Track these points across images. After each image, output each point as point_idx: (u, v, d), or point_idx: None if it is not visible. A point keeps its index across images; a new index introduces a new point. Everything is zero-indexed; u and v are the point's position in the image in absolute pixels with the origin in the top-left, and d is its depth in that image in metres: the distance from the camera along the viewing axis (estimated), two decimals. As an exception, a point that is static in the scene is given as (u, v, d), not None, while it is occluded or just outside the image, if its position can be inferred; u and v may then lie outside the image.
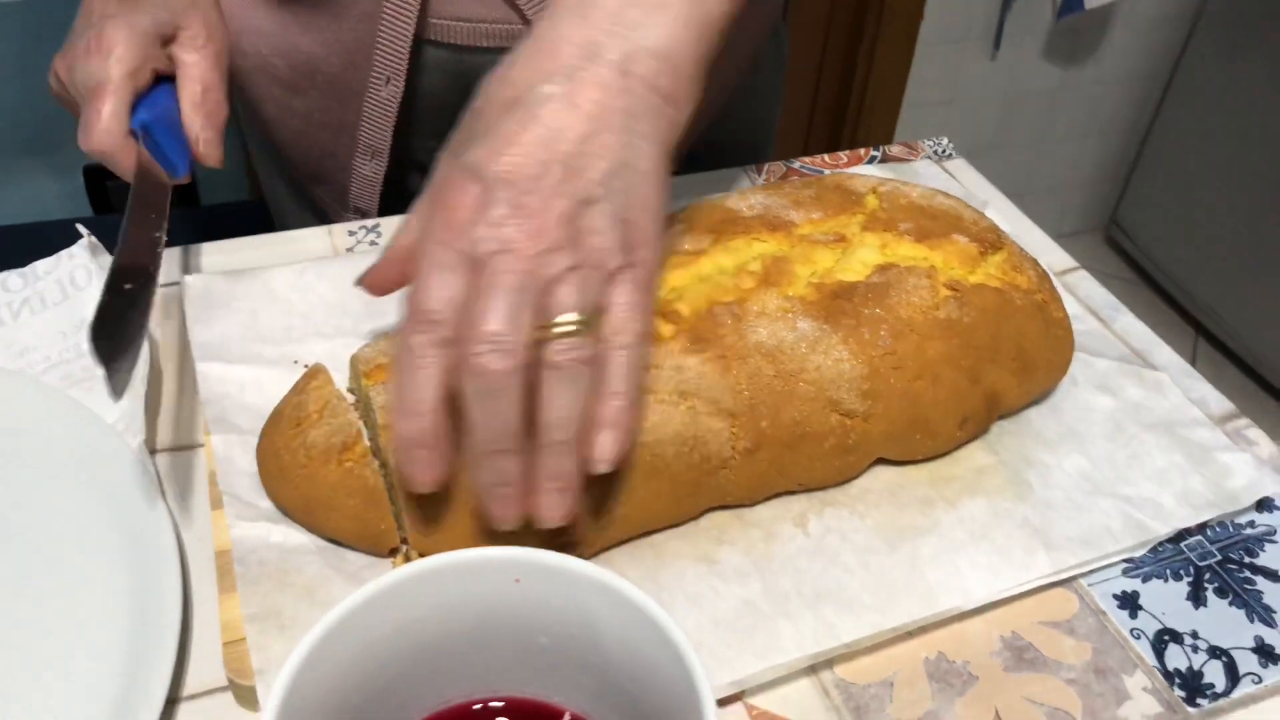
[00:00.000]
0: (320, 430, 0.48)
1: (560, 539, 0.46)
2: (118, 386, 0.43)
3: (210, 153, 0.61)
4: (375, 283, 0.49)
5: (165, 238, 0.55)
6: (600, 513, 0.47)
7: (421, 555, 0.46)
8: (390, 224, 0.71)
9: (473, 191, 0.42)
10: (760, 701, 0.46)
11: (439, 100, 0.72)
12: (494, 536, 0.45)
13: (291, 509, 0.49)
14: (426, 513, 0.46)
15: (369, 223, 0.71)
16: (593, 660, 0.37)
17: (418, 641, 0.36)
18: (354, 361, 0.51)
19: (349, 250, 0.68)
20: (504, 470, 0.43)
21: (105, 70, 0.57)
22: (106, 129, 0.57)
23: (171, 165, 0.59)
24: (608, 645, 0.36)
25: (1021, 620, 0.49)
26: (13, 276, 0.60)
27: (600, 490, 0.46)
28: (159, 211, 0.56)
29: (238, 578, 0.46)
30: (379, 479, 0.47)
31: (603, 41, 0.45)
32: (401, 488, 0.45)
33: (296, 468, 0.48)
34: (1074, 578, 0.51)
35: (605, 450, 0.43)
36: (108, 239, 0.61)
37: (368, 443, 0.48)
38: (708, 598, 0.48)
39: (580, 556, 0.47)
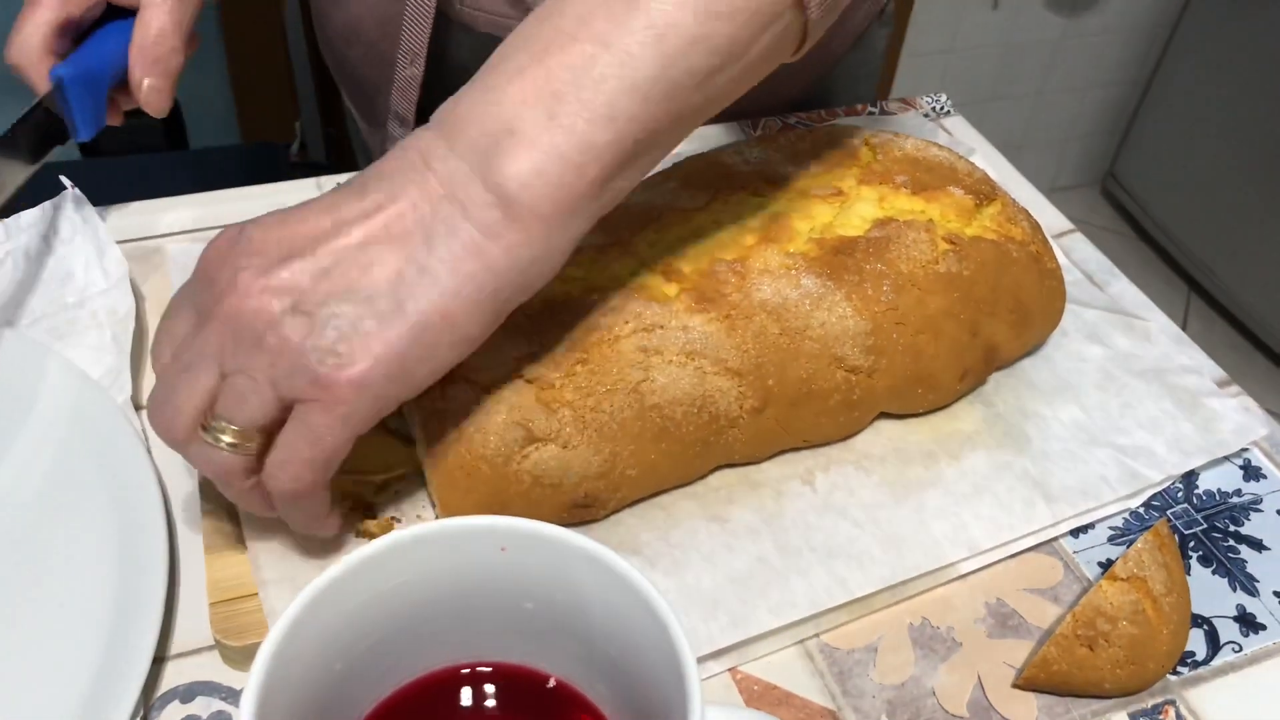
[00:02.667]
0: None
1: (580, 500, 0.47)
2: None
3: (153, 100, 0.58)
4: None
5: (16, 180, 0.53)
6: (612, 475, 0.47)
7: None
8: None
9: (230, 239, 0.41)
10: (745, 666, 0.46)
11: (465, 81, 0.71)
12: (509, 506, 0.46)
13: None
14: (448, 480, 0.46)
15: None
16: (578, 627, 0.37)
17: (402, 609, 0.36)
18: None
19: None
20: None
21: None
22: (22, 43, 0.55)
23: (74, 127, 0.57)
24: (593, 612, 0.36)
25: (1006, 587, 0.50)
26: (-4, 228, 0.59)
27: (611, 452, 0.46)
28: (29, 149, 0.54)
29: (249, 544, 0.46)
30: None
31: (442, 153, 0.40)
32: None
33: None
34: (1057, 538, 0.52)
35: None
36: (99, 187, 0.60)
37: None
38: (721, 556, 0.48)
39: (593, 519, 0.48)
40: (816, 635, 0.47)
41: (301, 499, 0.41)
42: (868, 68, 0.86)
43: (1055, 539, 0.52)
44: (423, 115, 0.75)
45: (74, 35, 0.58)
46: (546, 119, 0.39)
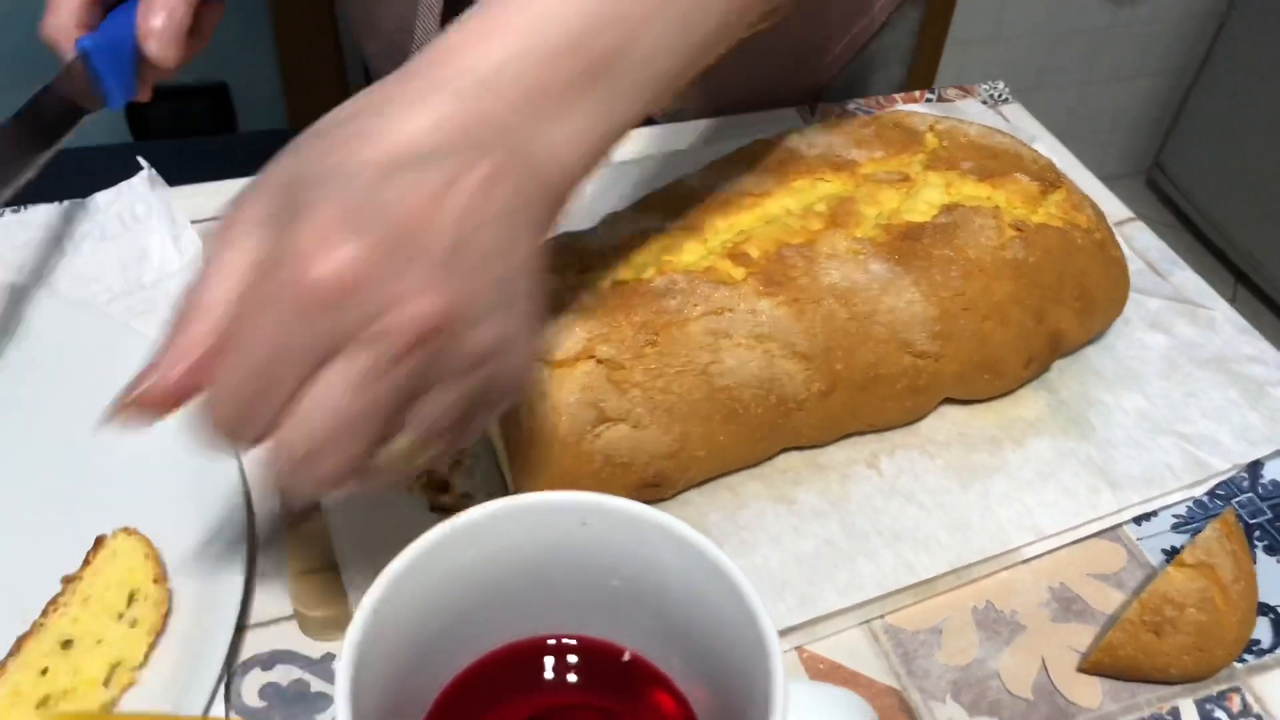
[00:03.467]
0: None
1: (649, 480, 0.48)
2: None
3: (156, 48, 0.54)
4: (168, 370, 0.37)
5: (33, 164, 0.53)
6: (682, 455, 0.47)
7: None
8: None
9: (343, 259, 0.33)
10: (811, 646, 0.47)
11: None
12: (580, 484, 0.47)
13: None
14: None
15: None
16: (655, 601, 0.37)
17: (484, 581, 0.37)
18: None
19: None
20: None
21: None
22: (55, 20, 0.55)
23: (104, 96, 0.56)
24: (671, 586, 0.36)
25: (1070, 572, 0.50)
26: (75, 208, 0.60)
27: (681, 433, 0.47)
28: (47, 134, 0.54)
29: (328, 522, 0.47)
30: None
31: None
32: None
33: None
34: (1121, 525, 0.52)
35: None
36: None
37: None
38: (788, 537, 0.49)
39: (661, 499, 0.48)
40: (882, 616, 0.47)
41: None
42: (899, 50, 0.86)
43: (1119, 526, 0.52)
44: None
45: (105, 9, 0.57)
46: (596, 105, 0.38)
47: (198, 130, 1.73)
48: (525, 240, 0.37)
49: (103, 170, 0.77)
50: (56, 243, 0.59)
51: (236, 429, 0.34)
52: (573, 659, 0.39)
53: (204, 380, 0.34)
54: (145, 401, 0.35)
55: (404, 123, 0.35)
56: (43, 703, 0.40)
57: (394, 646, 0.34)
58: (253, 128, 1.75)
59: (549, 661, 0.39)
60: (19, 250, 0.59)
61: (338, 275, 0.32)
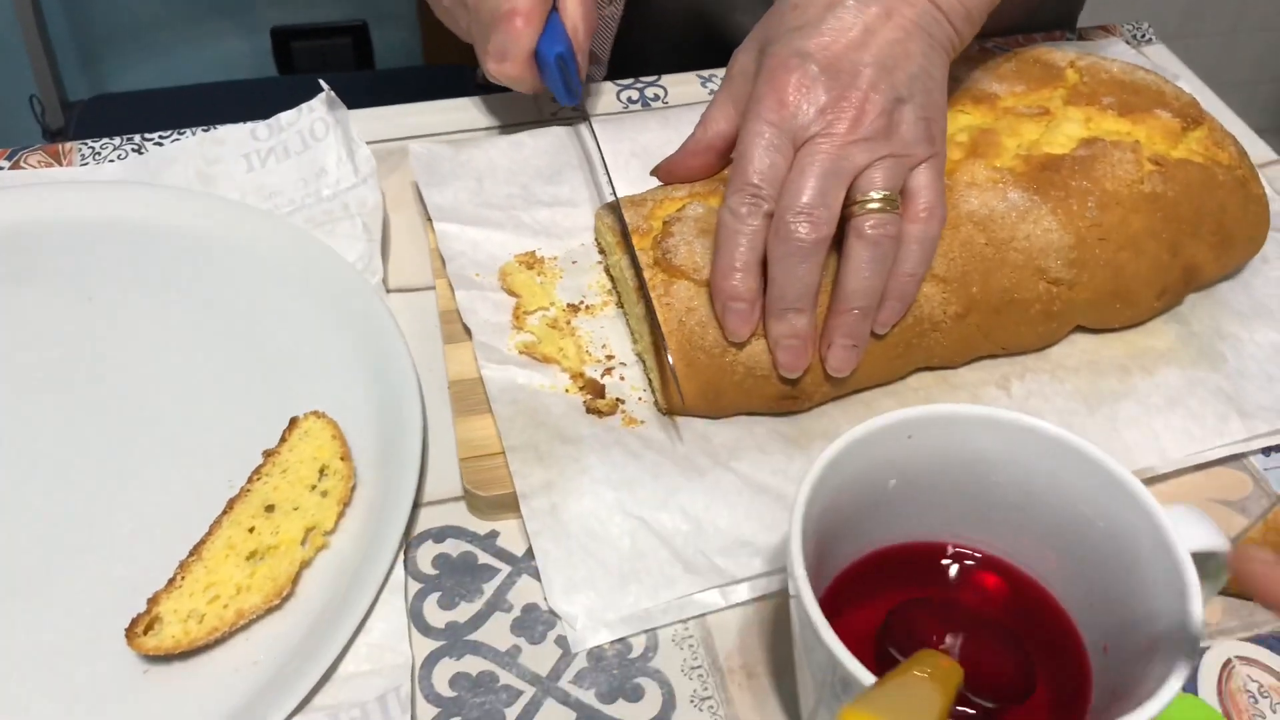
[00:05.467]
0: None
1: (788, 392, 0.51)
2: None
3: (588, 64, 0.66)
4: (673, 170, 0.56)
5: None
6: (819, 369, 0.50)
7: (669, 412, 0.52)
8: (591, 92, 0.73)
9: (800, 78, 0.48)
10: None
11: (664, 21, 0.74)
12: (723, 395, 0.50)
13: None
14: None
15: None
16: (1047, 518, 0.41)
17: (877, 483, 0.41)
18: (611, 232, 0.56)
19: (554, 114, 0.71)
20: (796, 326, 0.48)
21: None
22: (521, 54, 0.61)
23: (573, 93, 0.64)
24: (1083, 512, 0.40)
25: (1194, 496, 0.51)
26: (260, 127, 0.66)
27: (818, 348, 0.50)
28: None
29: (496, 414, 0.51)
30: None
31: None
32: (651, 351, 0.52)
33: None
34: (1248, 454, 0.53)
35: (888, 317, 0.50)
36: (293, 101, 0.65)
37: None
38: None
39: (799, 410, 0.51)
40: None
41: (941, 216, 0.50)
42: None
43: (1246, 455, 0.53)
44: (618, 54, 0.78)
45: None
46: None
47: (338, 66, 1.80)
48: (938, 74, 0.51)
49: (256, 99, 0.82)
50: (245, 159, 0.64)
51: (746, 216, 0.49)
52: (946, 561, 0.43)
53: (702, 165, 0.56)
54: (672, 168, 0.57)
55: None
56: (251, 555, 0.46)
57: (820, 514, 0.39)
58: (390, 65, 1.81)
59: (929, 560, 0.43)
60: (212, 165, 0.64)
61: (795, 89, 0.48)
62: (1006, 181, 0.53)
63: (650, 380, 0.53)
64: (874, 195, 0.48)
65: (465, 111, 0.72)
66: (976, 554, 0.43)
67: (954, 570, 0.43)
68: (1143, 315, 0.56)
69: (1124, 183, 0.54)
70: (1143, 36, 0.80)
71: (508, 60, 0.62)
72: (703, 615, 0.46)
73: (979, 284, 0.51)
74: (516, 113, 0.72)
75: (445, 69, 1.59)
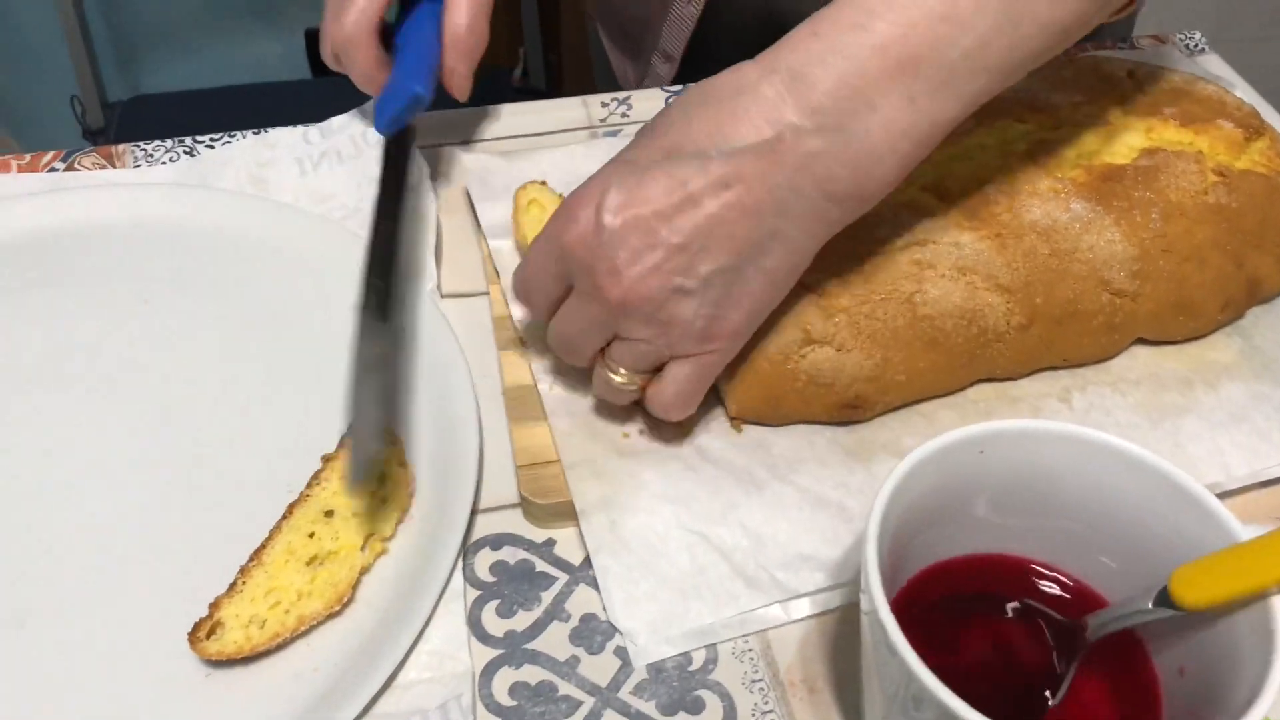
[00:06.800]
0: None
1: (850, 401, 0.50)
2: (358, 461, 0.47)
3: (461, 87, 0.62)
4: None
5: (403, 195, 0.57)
6: (882, 379, 0.50)
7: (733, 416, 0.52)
8: (641, 98, 0.73)
9: (592, 228, 0.44)
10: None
11: (742, 24, 0.73)
12: (784, 402, 0.50)
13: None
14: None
15: (620, 95, 0.73)
16: (1120, 536, 0.40)
17: (948, 498, 0.41)
18: None
19: (602, 121, 0.71)
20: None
21: None
22: (356, 21, 0.58)
23: (418, 97, 0.59)
24: (1159, 533, 0.39)
25: (1260, 513, 0.51)
26: (312, 130, 0.66)
27: (883, 358, 0.49)
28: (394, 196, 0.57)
29: (552, 428, 0.51)
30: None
31: (797, 128, 0.42)
32: None
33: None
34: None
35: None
36: (326, 103, 0.65)
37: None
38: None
39: (858, 420, 0.51)
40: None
41: (681, 412, 0.49)
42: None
43: (1312, 472, 0.52)
44: (690, 53, 0.77)
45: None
46: (907, 101, 0.42)
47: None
48: (772, 250, 0.44)
49: (293, 101, 0.82)
50: (297, 163, 0.64)
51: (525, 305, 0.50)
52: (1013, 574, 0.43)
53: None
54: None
55: (694, 114, 0.44)
56: (310, 561, 0.45)
57: (893, 529, 0.38)
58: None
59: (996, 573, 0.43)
60: (264, 168, 0.64)
61: (573, 239, 0.44)
62: (1069, 191, 0.52)
63: (716, 385, 0.53)
64: (619, 370, 0.47)
65: (518, 117, 0.71)
66: (1043, 568, 0.42)
67: (1020, 582, 0.42)
68: (1205, 328, 0.56)
69: (1188, 194, 0.53)
70: (1195, 45, 0.79)
71: (341, 22, 0.59)
72: (764, 630, 0.46)
73: (1043, 295, 0.51)
74: (566, 119, 0.72)
75: (486, 70, 1.59)
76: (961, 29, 0.42)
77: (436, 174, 0.65)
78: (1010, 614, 0.42)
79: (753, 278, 0.45)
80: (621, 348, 0.47)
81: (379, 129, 0.61)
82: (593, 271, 0.44)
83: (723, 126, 0.43)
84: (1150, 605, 0.37)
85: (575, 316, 0.47)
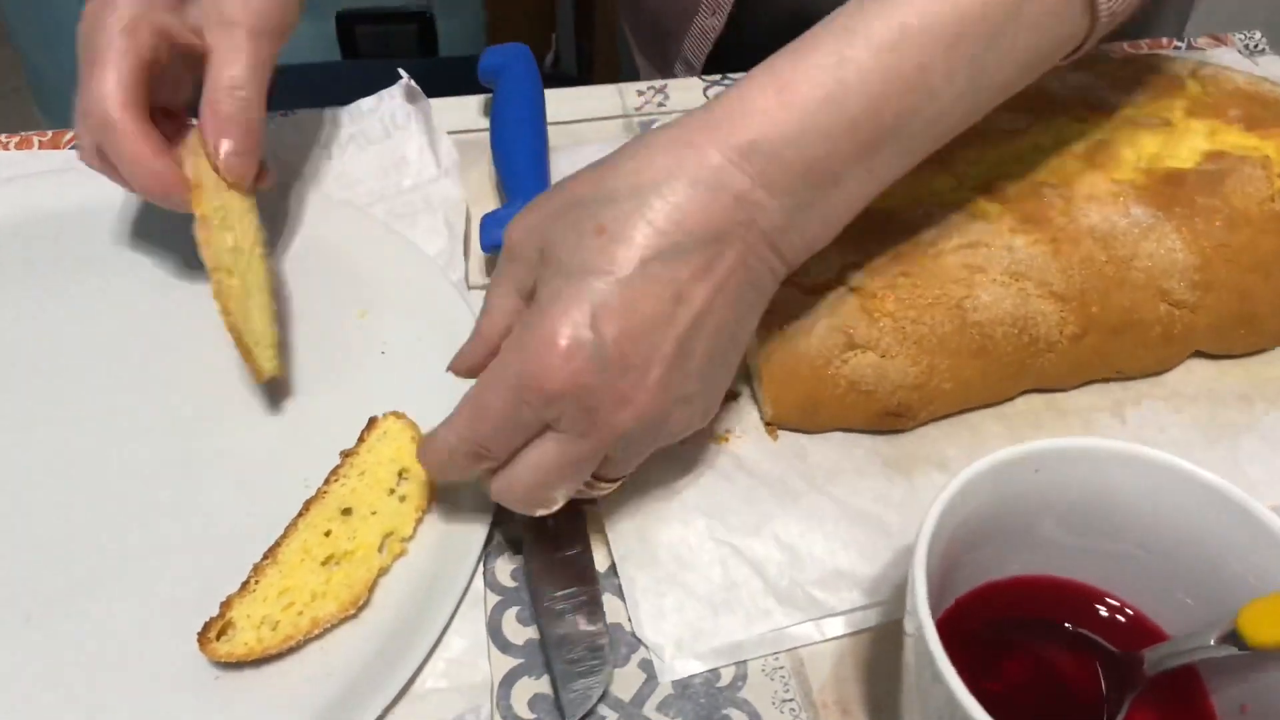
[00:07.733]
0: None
1: (892, 409, 0.48)
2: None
3: (235, 167, 0.50)
4: (470, 370, 0.45)
5: None
6: (927, 387, 0.48)
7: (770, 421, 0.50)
8: (678, 88, 0.71)
9: (587, 363, 0.38)
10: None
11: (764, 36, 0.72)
12: (823, 408, 0.48)
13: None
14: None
15: (657, 83, 0.71)
16: (1182, 563, 0.38)
17: (1004, 516, 0.39)
18: None
19: (637, 109, 0.69)
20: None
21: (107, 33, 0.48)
22: (113, 92, 0.48)
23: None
24: (1226, 563, 0.37)
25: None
26: (340, 113, 0.64)
27: (929, 365, 0.47)
28: None
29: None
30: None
31: (767, 209, 0.40)
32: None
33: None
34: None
35: None
36: (356, 85, 0.63)
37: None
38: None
39: (901, 429, 0.49)
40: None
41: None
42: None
43: (1376, 498, 0.50)
44: (712, 63, 0.76)
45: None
46: (867, 173, 0.41)
47: (402, 52, 1.79)
48: (748, 323, 0.43)
49: (321, 83, 0.80)
50: (324, 146, 0.63)
51: (464, 466, 0.42)
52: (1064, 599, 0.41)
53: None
54: (470, 368, 0.45)
55: (655, 206, 0.39)
56: (326, 561, 0.44)
57: (946, 540, 0.37)
58: (454, 54, 1.79)
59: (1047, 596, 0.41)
60: (289, 150, 0.62)
61: (567, 380, 0.38)
62: (1128, 196, 0.50)
63: (755, 396, 0.51)
64: (603, 484, 0.43)
65: (550, 104, 0.68)
66: (1097, 594, 0.40)
67: (1072, 608, 0.40)
68: (1267, 343, 0.53)
69: (1253, 201, 0.50)
70: (1256, 46, 0.76)
71: (89, 109, 0.48)
72: (795, 648, 0.44)
73: (1098, 303, 0.48)
74: (600, 108, 0.70)
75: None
76: (929, 98, 0.40)
77: (465, 161, 0.63)
78: (1060, 642, 0.39)
79: (734, 355, 0.43)
80: (616, 465, 0.42)
81: (484, 247, 0.54)
82: (594, 410, 0.39)
83: (688, 216, 0.39)
84: (1213, 642, 0.35)
85: (556, 461, 0.40)
